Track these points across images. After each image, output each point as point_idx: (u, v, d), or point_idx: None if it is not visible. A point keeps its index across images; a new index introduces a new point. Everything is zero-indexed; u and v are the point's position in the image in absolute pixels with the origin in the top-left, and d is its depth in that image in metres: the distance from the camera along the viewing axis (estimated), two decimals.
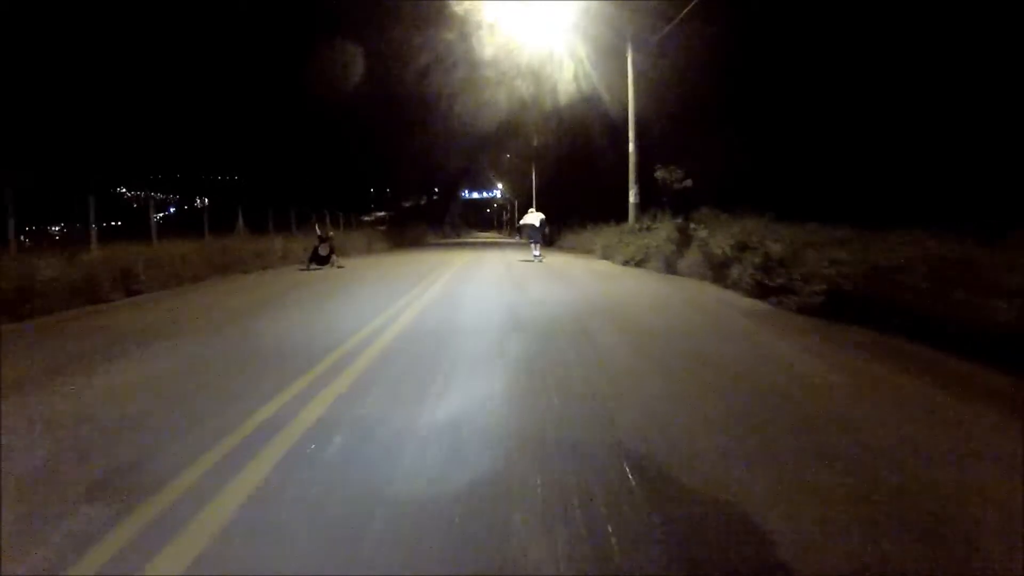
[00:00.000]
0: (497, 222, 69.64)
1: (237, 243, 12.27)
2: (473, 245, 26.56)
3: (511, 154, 33.24)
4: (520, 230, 14.00)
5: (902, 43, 9.65)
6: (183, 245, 10.24)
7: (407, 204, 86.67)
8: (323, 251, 11.77)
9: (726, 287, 7.22)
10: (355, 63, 33.49)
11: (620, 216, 14.12)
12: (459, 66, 18.66)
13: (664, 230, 10.50)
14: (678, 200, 12.06)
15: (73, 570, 1.52)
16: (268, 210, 15.32)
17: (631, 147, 12.80)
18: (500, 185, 56.24)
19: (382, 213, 66.68)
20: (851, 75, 10.61)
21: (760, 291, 6.31)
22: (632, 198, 12.91)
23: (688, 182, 12.02)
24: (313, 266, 11.66)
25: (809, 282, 5.66)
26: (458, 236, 49.94)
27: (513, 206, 46.26)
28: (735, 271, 7.07)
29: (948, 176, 8.41)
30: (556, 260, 13.36)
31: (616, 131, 16.32)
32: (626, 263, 11.13)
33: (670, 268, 9.33)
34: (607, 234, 13.94)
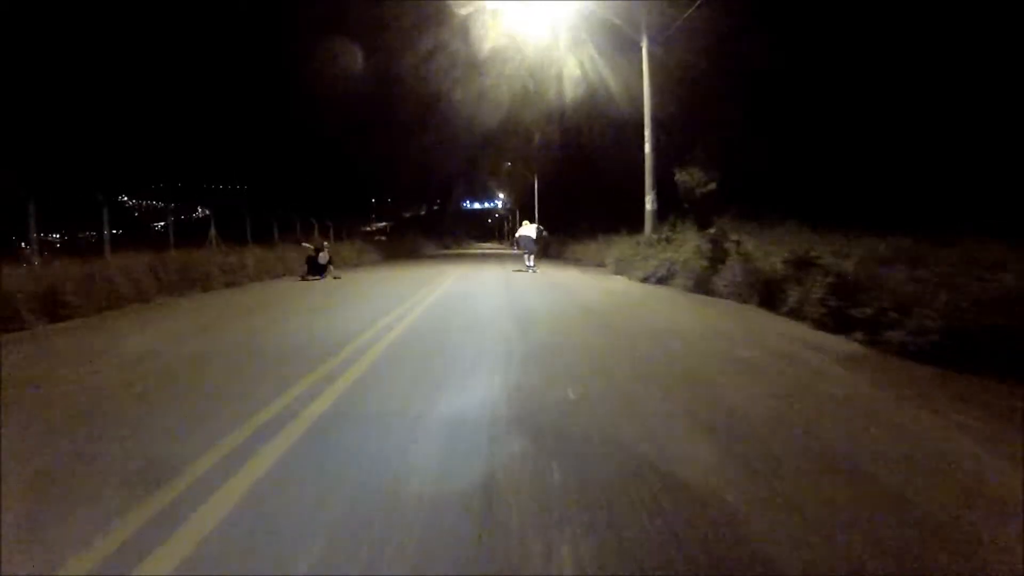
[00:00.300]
0: (498, 233, 68.44)
1: (204, 256, 10.94)
2: (472, 257, 25.13)
3: (512, 155, 31.96)
4: (517, 242, 13.68)
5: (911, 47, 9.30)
6: (134, 259, 8.90)
7: (407, 214, 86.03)
8: (322, 260, 11.83)
9: (781, 314, 5.76)
10: (355, 61, 32.62)
11: (632, 224, 12.78)
12: (460, 61, 17.49)
13: (689, 241, 9.07)
14: (700, 206, 10.71)
15: None
16: (245, 221, 14.00)
17: (647, 148, 11.40)
18: (501, 195, 55.10)
19: (383, 224, 65.90)
20: (877, 70, 10.15)
21: (835, 323, 4.85)
22: (648, 205, 11.49)
23: (712, 186, 10.66)
24: (310, 276, 11.62)
25: (909, 313, 4.23)
26: (458, 246, 48.72)
27: (514, 215, 45.02)
28: (793, 295, 5.62)
29: (958, 177, 8.06)
30: (564, 275, 11.90)
31: (624, 130, 15.01)
32: (645, 280, 9.64)
33: (700, 287, 7.86)
34: (620, 245, 12.52)
